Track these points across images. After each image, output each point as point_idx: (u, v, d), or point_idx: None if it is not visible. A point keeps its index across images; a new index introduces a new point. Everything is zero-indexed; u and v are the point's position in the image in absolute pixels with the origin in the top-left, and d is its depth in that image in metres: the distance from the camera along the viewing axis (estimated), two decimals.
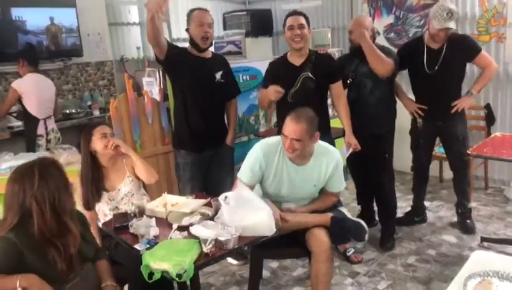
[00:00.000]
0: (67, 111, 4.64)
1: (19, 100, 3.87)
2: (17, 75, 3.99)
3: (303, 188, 2.42)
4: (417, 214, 3.63)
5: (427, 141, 3.43)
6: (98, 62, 5.17)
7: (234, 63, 3.57)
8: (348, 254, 3.12)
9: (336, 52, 4.71)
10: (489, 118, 4.00)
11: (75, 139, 3.25)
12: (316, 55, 2.95)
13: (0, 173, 2.89)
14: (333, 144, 2.78)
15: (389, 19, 4.91)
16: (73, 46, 4.79)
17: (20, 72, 3.93)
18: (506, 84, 4.15)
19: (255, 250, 2.46)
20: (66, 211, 1.74)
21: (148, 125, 3.57)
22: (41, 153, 3.36)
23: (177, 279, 1.73)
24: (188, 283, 2.02)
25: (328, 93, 3.04)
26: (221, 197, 2.14)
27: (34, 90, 3.86)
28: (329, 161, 2.40)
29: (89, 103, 4.91)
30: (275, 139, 2.42)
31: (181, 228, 2.06)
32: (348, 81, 3.15)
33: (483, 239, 3.23)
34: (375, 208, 3.55)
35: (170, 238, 1.99)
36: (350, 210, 3.65)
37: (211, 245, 1.85)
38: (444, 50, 3.13)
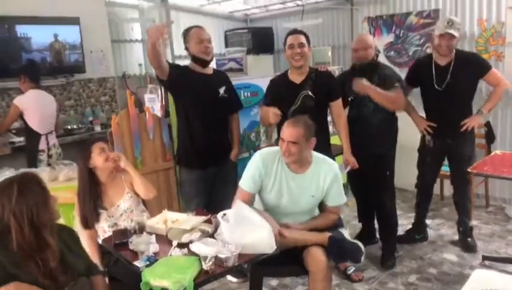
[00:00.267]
0: (69, 127, 4.67)
1: (21, 116, 3.89)
2: (20, 91, 4.01)
3: (302, 199, 2.43)
4: (418, 232, 3.61)
5: (434, 159, 3.41)
6: (100, 78, 5.20)
7: (235, 79, 3.60)
8: (349, 273, 3.10)
9: (336, 69, 4.77)
10: (490, 136, 4.01)
11: (76, 154, 3.25)
12: (316, 72, 2.99)
13: None
14: (333, 161, 2.78)
15: (389, 38, 4.97)
16: (76, 63, 4.83)
17: (21, 88, 3.95)
18: (506, 102, 4.17)
19: (254, 268, 2.44)
20: (46, 225, 1.74)
21: (149, 141, 3.58)
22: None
23: None
24: None
25: (328, 110, 3.05)
26: (219, 215, 2.14)
27: (36, 106, 3.88)
28: (328, 171, 2.41)
29: (91, 118, 4.93)
30: (275, 148, 2.48)
31: (181, 245, 2.05)
32: (349, 99, 3.16)
33: (484, 258, 3.21)
34: (376, 226, 3.53)
35: (170, 255, 1.98)
36: (351, 228, 3.66)
37: (210, 262, 1.84)
38: (451, 66, 3.14)
